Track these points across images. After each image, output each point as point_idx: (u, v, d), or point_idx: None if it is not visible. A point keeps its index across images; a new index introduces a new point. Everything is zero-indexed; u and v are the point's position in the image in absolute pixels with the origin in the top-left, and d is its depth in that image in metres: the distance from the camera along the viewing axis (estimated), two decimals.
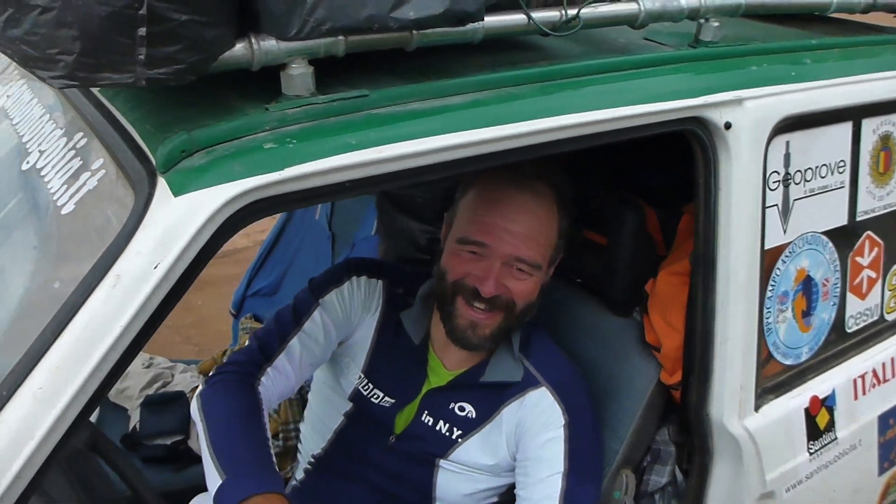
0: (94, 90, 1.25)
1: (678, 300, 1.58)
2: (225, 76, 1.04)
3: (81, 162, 1.14)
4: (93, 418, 2.22)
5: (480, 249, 1.44)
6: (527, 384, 1.53)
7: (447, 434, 1.54)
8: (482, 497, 1.57)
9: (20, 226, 1.22)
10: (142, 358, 2.57)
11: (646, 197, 1.81)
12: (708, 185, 1.44)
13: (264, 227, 3.32)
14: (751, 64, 1.48)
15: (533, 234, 1.45)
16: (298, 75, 1.05)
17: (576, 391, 1.54)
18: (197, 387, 2.42)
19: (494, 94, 1.18)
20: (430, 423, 1.55)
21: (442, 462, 1.54)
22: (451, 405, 1.55)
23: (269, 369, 1.50)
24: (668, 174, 1.82)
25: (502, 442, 1.53)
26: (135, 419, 2.27)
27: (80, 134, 1.21)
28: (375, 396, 1.58)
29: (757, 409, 1.56)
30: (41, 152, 1.25)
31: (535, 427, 1.50)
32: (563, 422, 1.49)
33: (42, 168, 1.21)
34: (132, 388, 2.37)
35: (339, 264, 1.65)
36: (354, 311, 1.58)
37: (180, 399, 2.30)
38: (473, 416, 1.54)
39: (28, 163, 1.26)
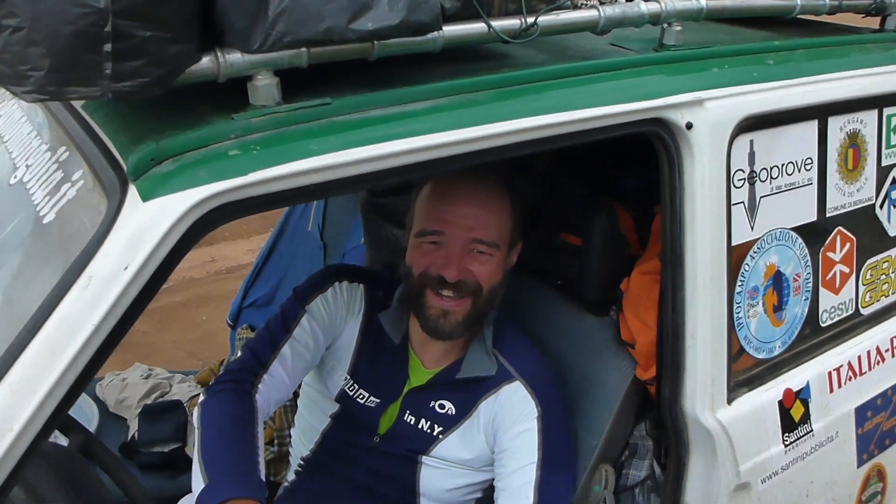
0: (77, 106, 1.31)
1: (650, 298, 1.62)
2: (198, 89, 1.10)
3: (63, 174, 1.21)
4: (92, 428, 2.28)
5: (438, 238, 1.51)
6: (501, 378, 1.59)
7: (428, 431, 1.60)
8: (465, 492, 1.62)
9: (7, 237, 1.28)
10: (141, 369, 2.63)
11: (622, 200, 1.86)
12: (672, 184, 1.48)
13: None
14: (712, 66, 1.53)
15: (485, 215, 1.53)
16: (264, 86, 1.11)
17: (548, 384, 1.59)
18: (195, 396, 2.49)
19: (453, 100, 1.23)
20: (411, 422, 1.61)
21: (424, 458, 1.60)
22: (432, 403, 1.61)
23: (265, 376, 1.56)
24: (643, 177, 1.87)
25: (480, 436, 1.58)
26: (133, 428, 2.32)
27: (63, 148, 1.27)
28: (361, 397, 1.64)
29: (730, 401, 1.59)
30: (27, 167, 1.32)
31: (510, 419, 1.55)
32: (536, 413, 1.54)
33: (28, 181, 1.28)
34: (131, 398, 2.43)
35: (319, 272, 1.72)
36: (339, 315, 1.65)
37: (177, 408, 2.36)
38: (453, 412, 1.60)
39: (15, 177, 1.33)
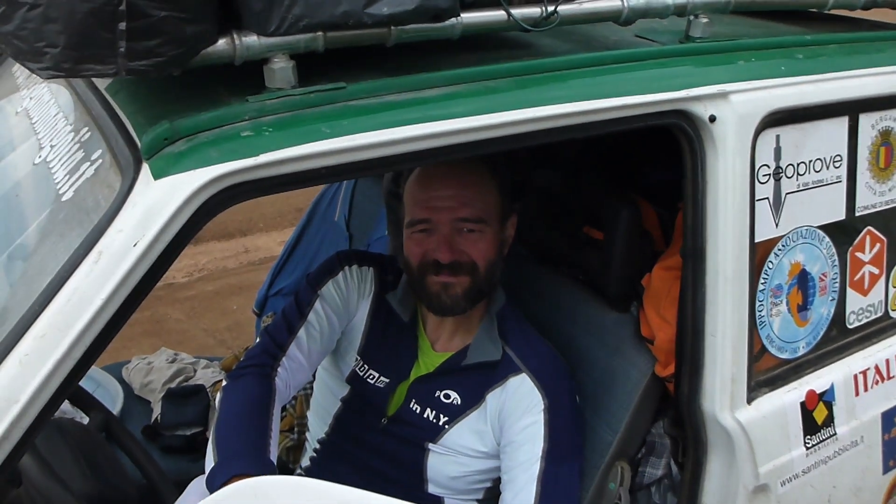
0: (101, 87, 1.33)
1: (671, 294, 1.60)
2: (217, 71, 1.11)
3: (84, 153, 1.23)
4: (116, 410, 2.32)
5: (427, 226, 1.54)
6: (507, 370, 1.58)
7: (434, 421, 1.60)
8: (473, 480, 1.62)
9: (29, 215, 1.30)
10: (166, 354, 2.67)
11: (647, 194, 1.84)
12: (695, 178, 1.46)
13: None
14: (738, 59, 1.50)
15: (467, 193, 1.54)
16: (280, 69, 1.12)
17: (555, 375, 1.58)
18: (218, 381, 2.51)
19: (471, 87, 1.23)
20: (417, 411, 1.61)
21: (431, 446, 1.60)
22: (437, 393, 1.61)
23: (283, 359, 1.58)
24: (669, 172, 1.85)
25: (488, 429, 1.58)
26: (157, 411, 2.36)
27: (86, 128, 1.29)
28: (371, 377, 1.65)
29: (750, 401, 1.57)
30: (52, 147, 1.35)
31: (517, 412, 1.55)
32: (542, 406, 1.53)
33: (51, 161, 1.30)
34: (155, 382, 2.47)
35: (330, 258, 1.74)
36: (351, 298, 1.67)
37: (200, 393, 2.39)
38: (459, 402, 1.59)
39: (40, 157, 1.35)
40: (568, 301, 1.85)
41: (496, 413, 1.58)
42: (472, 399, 1.59)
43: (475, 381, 1.60)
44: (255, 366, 1.56)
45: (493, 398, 1.58)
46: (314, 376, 1.85)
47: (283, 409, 2.25)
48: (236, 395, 1.50)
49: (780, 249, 1.57)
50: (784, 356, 1.63)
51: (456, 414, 1.60)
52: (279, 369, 1.57)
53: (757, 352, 1.58)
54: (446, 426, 1.60)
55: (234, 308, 4.81)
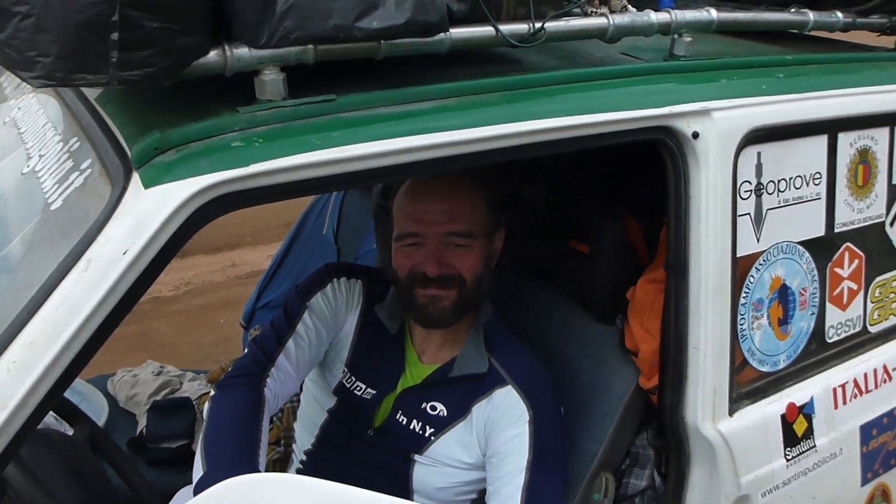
0: (91, 97, 1.33)
1: (655, 306, 1.61)
2: (208, 82, 1.11)
3: (73, 163, 1.22)
4: (102, 422, 2.29)
5: (416, 239, 1.54)
6: (493, 382, 1.58)
7: (420, 432, 1.59)
8: (459, 492, 1.61)
9: (19, 223, 1.29)
10: (152, 366, 2.64)
11: (633, 208, 1.85)
12: (678, 193, 1.47)
13: None
14: (721, 77, 1.52)
15: (455, 207, 1.54)
16: (270, 81, 1.12)
17: (540, 386, 1.58)
18: (205, 394, 2.49)
19: (460, 101, 1.24)
20: (403, 422, 1.60)
21: (417, 457, 1.59)
22: (423, 405, 1.61)
23: (272, 370, 1.57)
24: (654, 186, 1.86)
25: (473, 440, 1.57)
26: (142, 424, 2.33)
27: (75, 138, 1.29)
28: (358, 388, 1.64)
29: (731, 413, 1.57)
30: (41, 156, 1.34)
31: (502, 423, 1.54)
32: (527, 417, 1.53)
33: (39, 171, 1.29)
34: (141, 395, 2.45)
35: (318, 270, 1.74)
36: (339, 310, 1.66)
37: (186, 405, 2.37)
38: (445, 413, 1.59)
39: (28, 166, 1.34)
40: (554, 313, 1.85)
41: (482, 424, 1.57)
42: (459, 411, 1.59)
43: (461, 393, 1.60)
44: (245, 376, 1.55)
45: (479, 410, 1.58)
46: (301, 388, 1.84)
47: (270, 421, 2.24)
48: (226, 404, 1.49)
49: (761, 264, 1.58)
50: (765, 369, 1.64)
51: (442, 425, 1.59)
52: (268, 380, 1.56)
53: (738, 364, 1.58)
54: (432, 437, 1.59)
55: (221, 322, 4.78)
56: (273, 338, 1.61)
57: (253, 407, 1.48)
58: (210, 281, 5.46)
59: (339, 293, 1.67)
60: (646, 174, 1.84)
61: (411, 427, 1.60)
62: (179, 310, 4.96)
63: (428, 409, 1.61)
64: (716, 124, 1.45)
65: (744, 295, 1.57)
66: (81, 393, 2.43)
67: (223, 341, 4.49)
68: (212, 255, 5.80)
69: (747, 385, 1.61)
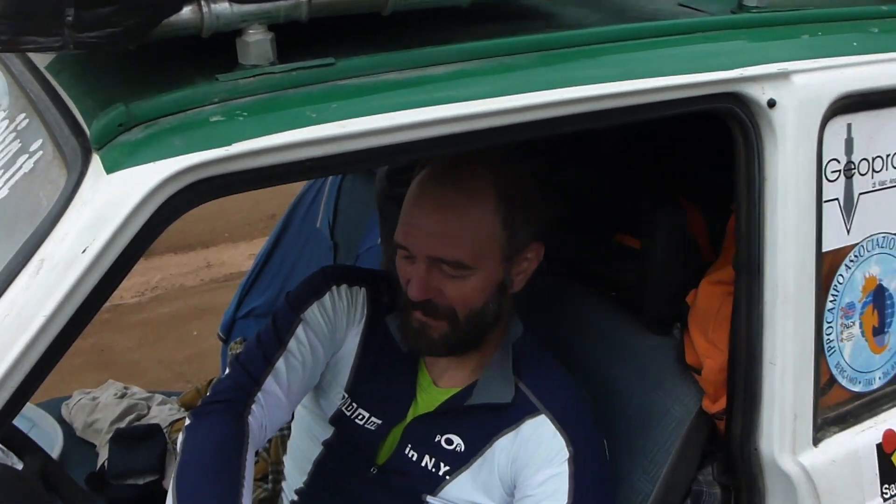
0: (41, 66, 1.34)
1: (721, 314, 1.60)
2: (180, 45, 1.12)
3: (20, 144, 1.23)
4: (55, 454, 2.31)
5: (407, 253, 1.54)
6: (523, 411, 1.58)
7: (433, 470, 1.60)
8: None
9: None
10: (115, 388, 2.67)
11: (693, 195, 1.84)
12: (750, 175, 1.47)
13: None
14: (802, 32, 1.51)
15: (452, 230, 1.51)
16: (255, 42, 1.12)
17: (580, 416, 1.58)
18: (178, 420, 2.51)
19: (485, 63, 1.24)
20: (413, 458, 1.61)
21: (430, 499, 1.60)
22: (438, 437, 1.61)
23: (259, 395, 1.58)
24: (721, 169, 1.85)
25: (495, 479, 1.57)
26: (103, 456, 2.35)
27: (23, 115, 1.30)
28: (360, 417, 1.64)
29: (816, 443, 1.57)
30: None
31: (535, 462, 1.54)
32: (566, 455, 1.53)
33: None
34: (101, 421, 2.47)
35: (314, 274, 1.73)
36: (338, 324, 1.67)
37: (155, 434, 2.39)
38: (462, 448, 1.59)
39: None
40: (597, 323, 1.85)
41: (508, 463, 1.57)
42: (478, 444, 1.59)
43: (482, 424, 1.59)
44: (226, 402, 1.56)
45: (505, 444, 1.58)
46: (293, 415, 1.85)
47: (257, 453, 2.25)
48: (202, 436, 1.50)
49: (851, 261, 1.58)
50: (857, 389, 1.64)
51: (460, 463, 1.59)
52: (253, 406, 1.56)
53: (824, 383, 1.58)
54: (447, 476, 1.59)
55: (194, 334, 4.82)
56: (259, 356, 1.61)
57: (235, 439, 1.48)
58: (181, 285, 5.51)
59: (339, 304, 1.67)
60: (709, 153, 1.83)
61: (423, 464, 1.60)
62: (145, 320, 5.01)
63: (443, 442, 1.61)
64: (796, 90, 1.44)
65: (831, 298, 1.57)
66: (31, 419, 2.45)
67: (197, 357, 4.54)
68: (182, 253, 5.85)
69: (835, 408, 1.61)
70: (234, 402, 1.55)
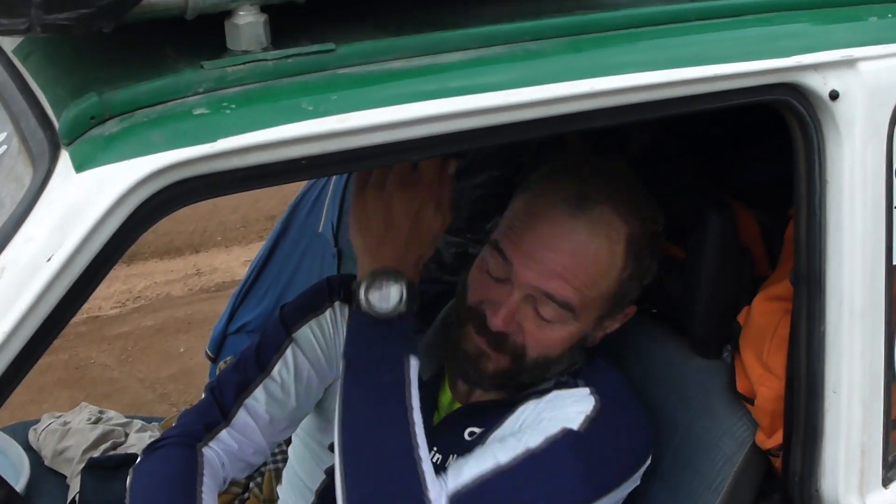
0: (7, 51, 1.36)
1: (778, 334, 1.61)
2: (161, 28, 1.13)
3: None
4: (20, 485, 2.34)
5: (505, 271, 1.53)
6: (559, 385, 1.61)
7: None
8: None
9: None
10: (88, 411, 2.69)
11: (746, 197, 1.85)
12: (810, 176, 1.48)
13: None
14: (870, 14, 1.52)
15: (573, 269, 1.52)
16: (246, 25, 1.13)
17: (619, 389, 1.63)
18: None
19: (506, 50, 1.24)
20: (437, 461, 1.61)
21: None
22: (462, 432, 1.62)
23: (223, 432, 1.60)
24: (775, 167, 1.86)
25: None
26: (75, 488, 2.37)
27: None
28: None
29: (885, 483, 1.58)
30: None
31: (549, 410, 1.56)
32: (591, 406, 1.55)
33: None
34: (73, 449, 2.49)
35: (315, 285, 1.74)
36: (339, 345, 1.67)
37: (132, 463, 2.40)
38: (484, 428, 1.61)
39: None
40: (635, 343, 1.86)
41: (531, 416, 1.58)
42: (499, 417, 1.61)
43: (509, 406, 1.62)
44: (179, 436, 1.59)
45: (529, 406, 1.60)
46: (289, 441, 1.87)
47: (246, 489, 2.27)
48: (147, 476, 1.56)
49: None
50: None
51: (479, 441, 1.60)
52: (213, 443, 1.59)
53: None
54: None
55: (180, 350, 4.87)
56: (234, 384, 1.63)
57: (184, 476, 1.52)
58: (166, 294, 5.55)
59: (342, 323, 1.68)
60: (762, 149, 1.83)
61: (446, 465, 1.61)
62: (125, 333, 5.06)
63: (466, 435, 1.62)
64: (864, 80, 1.44)
65: None
66: None
67: (183, 376, 4.58)
68: (169, 259, 5.90)
69: None
70: (188, 436, 1.58)
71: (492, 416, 1.63)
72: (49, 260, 0.99)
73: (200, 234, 6.11)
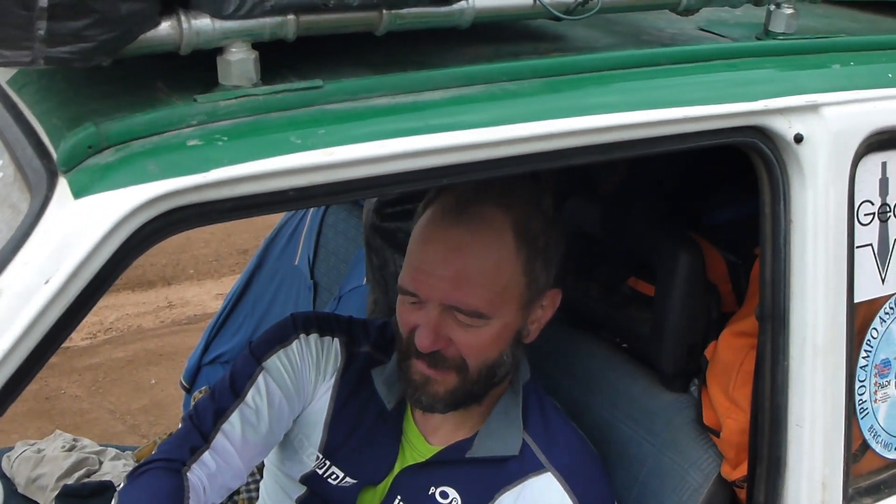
0: (1, 80, 1.40)
1: (744, 369, 1.65)
2: (156, 62, 1.18)
3: None
4: None
5: (415, 299, 1.57)
6: (528, 468, 1.62)
7: None
8: None
9: None
10: (62, 439, 2.69)
11: (713, 237, 1.90)
12: (775, 216, 1.52)
13: None
14: (833, 62, 1.58)
15: (469, 275, 1.54)
16: (238, 62, 1.17)
17: (590, 476, 1.62)
18: None
19: (485, 89, 1.29)
20: None
21: None
22: (431, 489, 1.65)
23: (205, 454, 1.63)
24: (742, 207, 1.91)
25: None
26: None
27: None
28: (334, 476, 1.68)
29: None
30: None
31: None
32: None
33: None
34: (47, 477, 2.49)
35: (281, 321, 1.78)
36: (306, 376, 1.71)
37: (106, 492, 2.41)
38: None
39: None
40: (605, 376, 1.89)
41: None
42: (478, 500, 1.63)
43: (482, 477, 1.64)
44: (163, 460, 1.61)
45: (508, 502, 1.62)
46: (262, 472, 1.89)
47: None
48: (133, 499, 1.55)
49: (887, 313, 1.63)
50: (892, 456, 1.68)
51: None
52: (195, 466, 1.61)
53: (857, 449, 1.63)
54: None
55: (151, 382, 4.86)
56: (210, 411, 1.66)
57: (169, 498, 1.53)
58: (137, 326, 5.54)
59: (308, 353, 1.72)
60: (729, 190, 1.88)
61: None
62: (96, 364, 5.04)
63: (437, 495, 1.65)
64: (827, 124, 1.50)
65: (864, 355, 1.61)
66: None
67: (154, 408, 4.57)
68: (141, 291, 5.89)
69: (869, 477, 1.65)
70: (173, 460, 1.60)
71: (465, 480, 1.65)
72: (47, 283, 1.03)
73: (173, 266, 6.11)
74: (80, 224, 1.05)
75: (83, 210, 1.05)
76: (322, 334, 1.75)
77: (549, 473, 1.62)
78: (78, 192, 1.06)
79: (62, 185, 1.08)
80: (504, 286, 1.57)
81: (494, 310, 1.57)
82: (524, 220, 1.58)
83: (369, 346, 1.75)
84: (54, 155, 1.12)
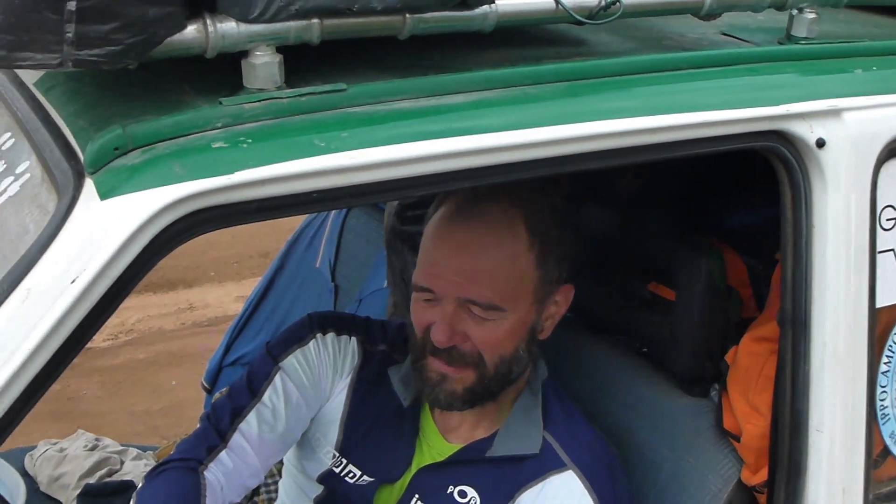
0: (29, 83, 1.42)
1: (764, 374, 1.65)
2: (182, 65, 1.19)
3: (6, 165, 1.30)
4: None
5: (431, 296, 1.59)
6: (549, 465, 1.63)
7: None
8: None
9: None
10: (84, 439, 2.71)
11: (734, 241, 1.90)
12: (797, 221, 1.52)
13: None
14: (855, 66, 1.58)
15: (483, 268, 1.56)
16: (262, 65, 1.19)
17: (611, 477, 1.62)
18: None
19: (507, 93, 1.31)
20: None
21: None
22: (450, 488, 1.66)
23: (222, 453, 1.64)
24: (762, 212, 1.91)
25: None
26: None
27: (9, 134, 1.37)
28: (350, 475, 1.69)
29: None
30: None
31: None
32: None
33: None
34: (69, 476, 2.51)
35: (298, 321, 1.80)
36: (323, 374, 1.73)
37: (128, 491, 2.43)
38: (479, 503, 1.63)
39: None
40: (624, 381, 1.90)
41: None
42: (498, 500, 1.64)
43: (502, 477, 1.64)
44: (180, 460, 1.62)
45: (528, 501, 1.63)
46: (280, 472, 1.90)
47: None
48: (151, 497, 1.57)
49: None
50: None
51: None
52: (212, 465, 1.62)
53: (877, 455, 1.62)
54: None
55: (172, 384, 4.87)
56: (228, 410, 1.67)
57: (186, 496, 1.54)
58: (159, 328, 5.56)
59: (325, 352, 1.73)
60: (753, 195, 1.88)
61: None
62: (117, 366, 5.06)
63: (456, 495, 1.66)
64: (849, 129, 1.50)
65: (885, 360, 1.61)
66: None
67: (174, 409, 4.58)
68: (162, 293, 5.91)
69: (889, 483, 1.65)
70: (190, 459, 1.61)
71: (485, 479, 1.66)
72: (73, 282, 1.04)
73: (194, 269, 6.13)
74: (107, 225, 1.07)
75: (109, 211, 1.07)
76: (339, 333, 1.76)
77: (570, 471, 1.62)
78: (104, 194, 1.08)
79: (89, 186, 1.10)
80: (518, 279, 1.59)
81: (509, 303, 1.58)
82: (536, 214, 1.60)
83: (386, 344, 1.77)
84: (81, 156, 1.14)
